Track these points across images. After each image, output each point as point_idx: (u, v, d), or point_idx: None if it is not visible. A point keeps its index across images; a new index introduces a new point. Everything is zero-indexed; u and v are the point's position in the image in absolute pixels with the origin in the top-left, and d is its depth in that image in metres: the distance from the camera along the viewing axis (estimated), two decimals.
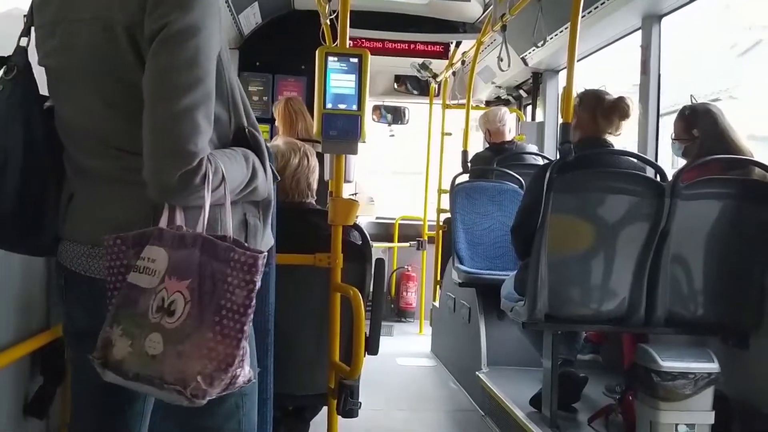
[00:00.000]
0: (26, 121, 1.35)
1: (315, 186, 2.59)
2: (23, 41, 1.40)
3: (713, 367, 2.45)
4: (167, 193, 1.22)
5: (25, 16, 1.42)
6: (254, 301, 1.19)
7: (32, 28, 1.40)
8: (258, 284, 1.18)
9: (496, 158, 4.46)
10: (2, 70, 1.37)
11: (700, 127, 2.81)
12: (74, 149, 1.38)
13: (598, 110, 2.87)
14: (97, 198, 1.35)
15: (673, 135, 2.93)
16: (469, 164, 4.70)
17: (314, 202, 2.60)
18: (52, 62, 1.36)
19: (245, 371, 1.20)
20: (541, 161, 4.36)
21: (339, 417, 2.19)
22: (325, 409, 2.36)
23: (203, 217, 1.23)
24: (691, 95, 2.97)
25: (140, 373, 1.18)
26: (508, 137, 4.62)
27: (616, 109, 2.86)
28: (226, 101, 1.36)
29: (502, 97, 5.96)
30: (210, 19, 1.24)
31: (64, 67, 1.34)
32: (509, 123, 4.64)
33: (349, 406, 2.09)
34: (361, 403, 2.16)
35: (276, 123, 3.74)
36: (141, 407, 1.50)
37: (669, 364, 2.42)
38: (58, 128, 1.40)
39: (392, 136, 6.42)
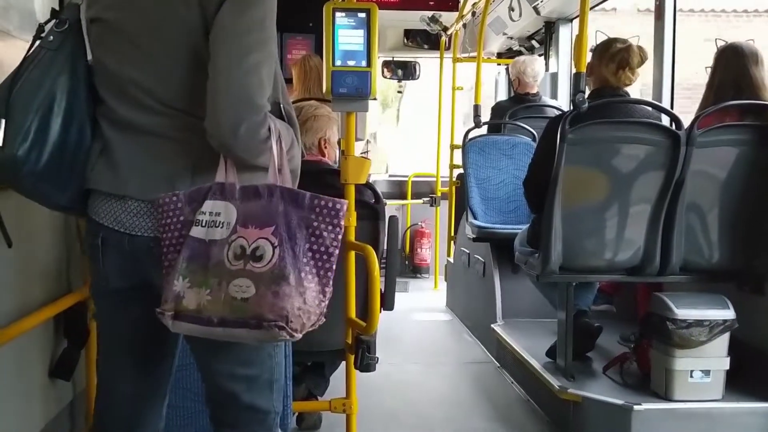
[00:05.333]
0: (73, 73, 1.40)
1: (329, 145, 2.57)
2: None
3: (728, 314, 2.45)
4: (234, 142, 1.29)
5: None
6: (339, 243, 1.30)
7: None
8: (343, 227, 1.30)
9: (513, 109, 4.41)
10: (54, 22, 1.41)
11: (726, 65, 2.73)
12: (119, 103, 1.41)
13: (607, 59, 2.81)
14: (141, 152, 1.39)
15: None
16: (480, 118, 4.65)
17: (331, 162, 2.59)
18: (110, 15, 1.39)
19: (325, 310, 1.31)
20: None
21: (357, 371, 2.23)
22: (343, 364, 2.41)
23: (273, 168, 1.32)
24: (716, 39, 2.89)
25: (227, 318, 1.25)
26: (534, 90, 4.56)
27: (625, 57, 2.80)
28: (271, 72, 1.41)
29: (514, 49, 5.84)
30: None
31: (127, 22, 1.37)
32: (540, 76, 4.58)
33: (366, 361, 2.12)
34: (378, 357, 2.19)
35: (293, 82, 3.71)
36: (170, 363, 1.55)
37: (684, 311, 2.43)
38: (101, 80, 1.43)
39: (400, 92, 6.32)
